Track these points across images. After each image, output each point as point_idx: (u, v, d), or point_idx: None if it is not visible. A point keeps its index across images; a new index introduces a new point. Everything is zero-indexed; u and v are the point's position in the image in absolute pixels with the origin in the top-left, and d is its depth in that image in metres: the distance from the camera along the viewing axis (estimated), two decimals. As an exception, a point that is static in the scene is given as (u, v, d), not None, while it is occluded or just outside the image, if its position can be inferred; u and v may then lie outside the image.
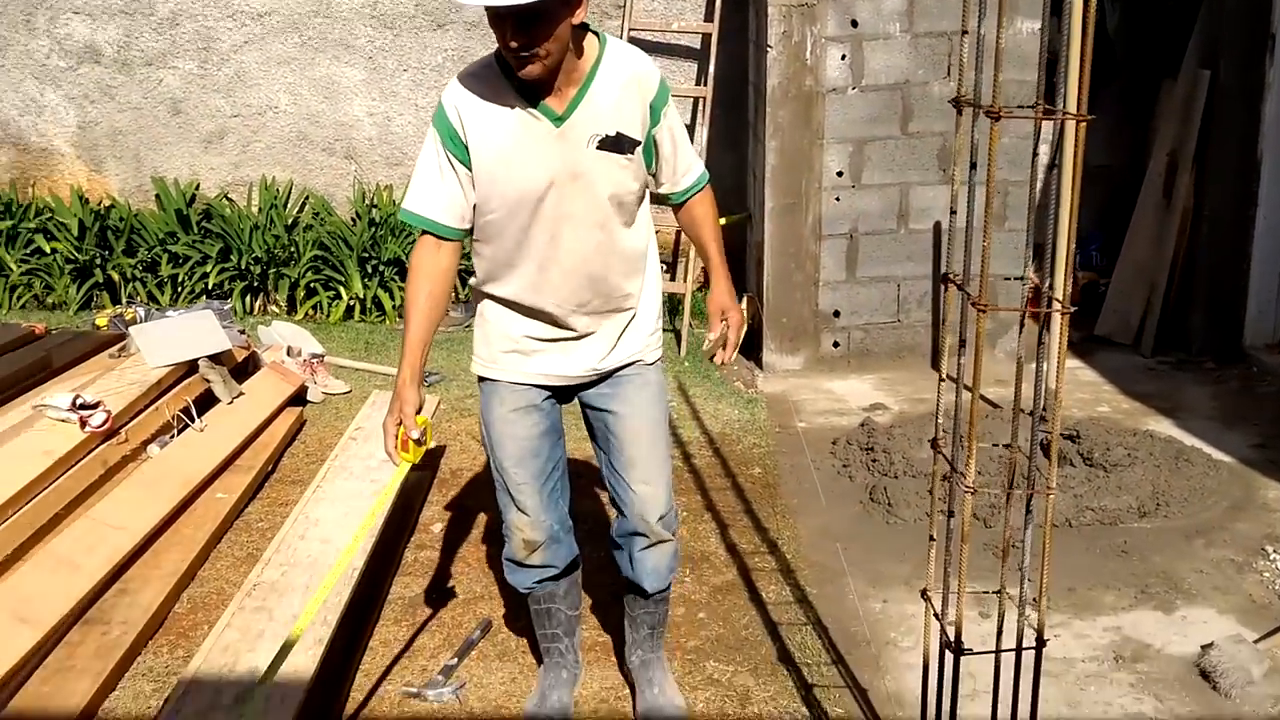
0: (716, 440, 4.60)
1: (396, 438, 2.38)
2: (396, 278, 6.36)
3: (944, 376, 2.15)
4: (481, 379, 2.61)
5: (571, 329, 2.51)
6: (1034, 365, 1.97)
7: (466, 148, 2.33)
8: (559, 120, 2.33)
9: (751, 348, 5.66)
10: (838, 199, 5.30)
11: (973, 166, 2.01)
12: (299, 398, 4.93)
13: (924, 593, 2.12)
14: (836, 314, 5.46)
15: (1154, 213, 5.58)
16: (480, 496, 4.01)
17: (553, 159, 2.35)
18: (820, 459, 4.40)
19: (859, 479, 4.19)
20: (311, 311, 6.35)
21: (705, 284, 6.36)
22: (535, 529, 2.63)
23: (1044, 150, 5.94)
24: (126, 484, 3.60)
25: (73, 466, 3.50)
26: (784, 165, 5.25)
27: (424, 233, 2.41)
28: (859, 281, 5.44)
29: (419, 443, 2.39)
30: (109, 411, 3.68)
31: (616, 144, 2.37)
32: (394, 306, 6.31)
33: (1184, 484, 3.88)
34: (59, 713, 2.63)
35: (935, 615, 2.06)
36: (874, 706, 2.83)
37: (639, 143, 2.40)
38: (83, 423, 3.59)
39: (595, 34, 2.38)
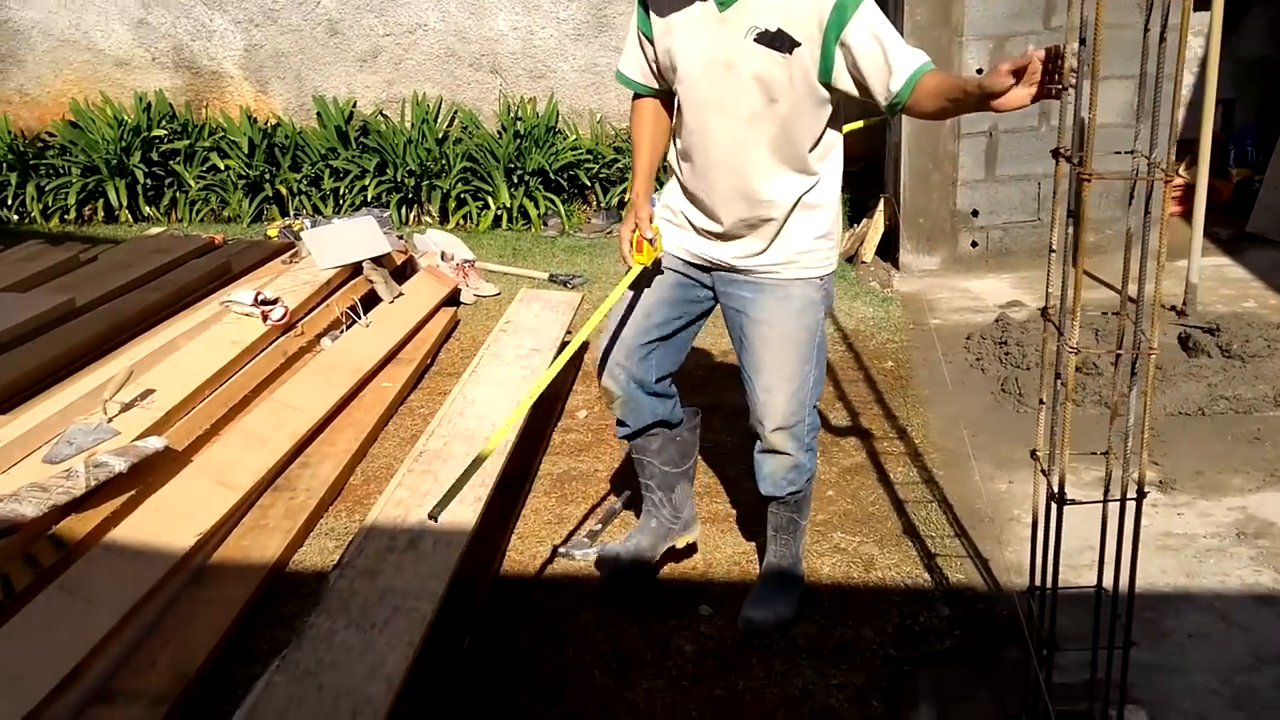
0: (850, 336, 4.73)
1: (631, 242, 2.62)
2: (541, 187, 6.61)
3: (1051, 248, 2.24)
4: None
5: (719, 223, 2.60)
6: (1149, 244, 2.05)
7: (648, 18, 2.54)
8: (723, 4, 2.41)
9: (888, 249, 5.73)
10: (976, 97, 5.28)
11: (1082, 43, 2.08)
12: (453, 299, 5.25)
13: (1033, 452, 2.24)
14: (975, 213, 5.47)
15: (1313, 103, 5.38)
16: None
17: (710, 42, 2.44)
18: (953, 353, 4.49)
19: (991, 371, 4.26)
20: (462, 221, 6.67)
21: (846, 185, 6.44)
22: (612, 380, 2.76)
23: (1196, 42, 5.77)
24: (303, 372, 3.96)
25: (257, 355, 3.87)
26: (921, 64, 5.25)
27: (635, 94, 2.71)
28: (998, 180, 5.42)
29: (651, 243, 2.61)
30: (287, 307, 4.04)
31: (775, 39, 2.39)
32: (539, 215, 6.57)
33: (1326, 375, 3.84)
34: (256, 562, 2.99)
35: (1042, 471, 2.19)
36: (994, 575, 2.97)
37: (798, 44, 2.38)
38: (264, 317, 3.96)
39: None
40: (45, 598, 2.56)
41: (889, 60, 2.36)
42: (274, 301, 4.03)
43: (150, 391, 3.38)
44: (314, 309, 4.36)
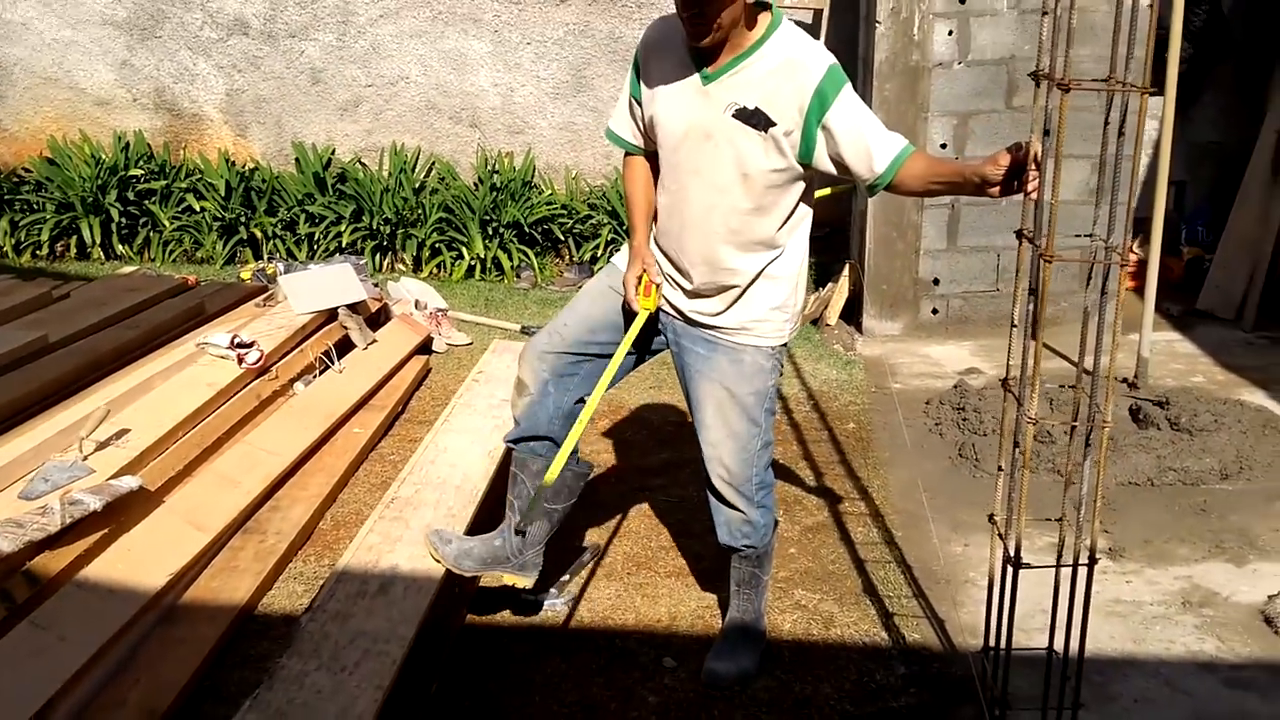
0: (815, 396, 4.84)
1: (637, 287, 2.70)
2: (515, 240, 6.71)
3: (1013, 323, 2.36)
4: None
5: (688, 280, 2.69)
6: (1106, 319, 2.18)
7: (639, 83, 2.66)
8: (707, 79, 2.53)
9: (852, 312, 5.87)
10: (941, 170, 5.46)
11: (1046, 134, 2.21)
12: (425, 347, 5.32)
13: (990, 516, 2.35)
14: (936, 281, 5.63)
15: (1260, 188, 5.61)
16: (586, 435, 4.34)
17: (692, 111, 2.55)
18: (913, 417, 4.61)
19: (949, 436, 4.39)
20: (435, 270, 6.75)
21: (812, 250, 6.61)
22: (530, 373, 2.79)
23: (1151, 125, 6.00)
24: (276, 416, 4.01)
25: (232, 398, 3.92)
26: (889, 136, 5.43)
27: (625, 151, 2.81)
28: (959, 250, 5.59)
29: (659, 287, 2.70)
30: (262, 351, 4.10)
31: (752, 117, 2.49)
32: (512, 267, 6.67)
33: (1270, 450, 3.99)
34: (226, 603, 3.03)
35: (999, 534, 2.29)
36: (949, 635, 3.06)
37: (773, 124, 2.47)
38: (240, 359, 4.01)
39: (773, 13, 2.52)
40: (18, 633, 2.58)
41: (870, 145, 2.48)
42: (250, 344, 4.08)
43: (125, 431, 3.42)
44: (288, 353, 4.41)
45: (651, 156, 2.80)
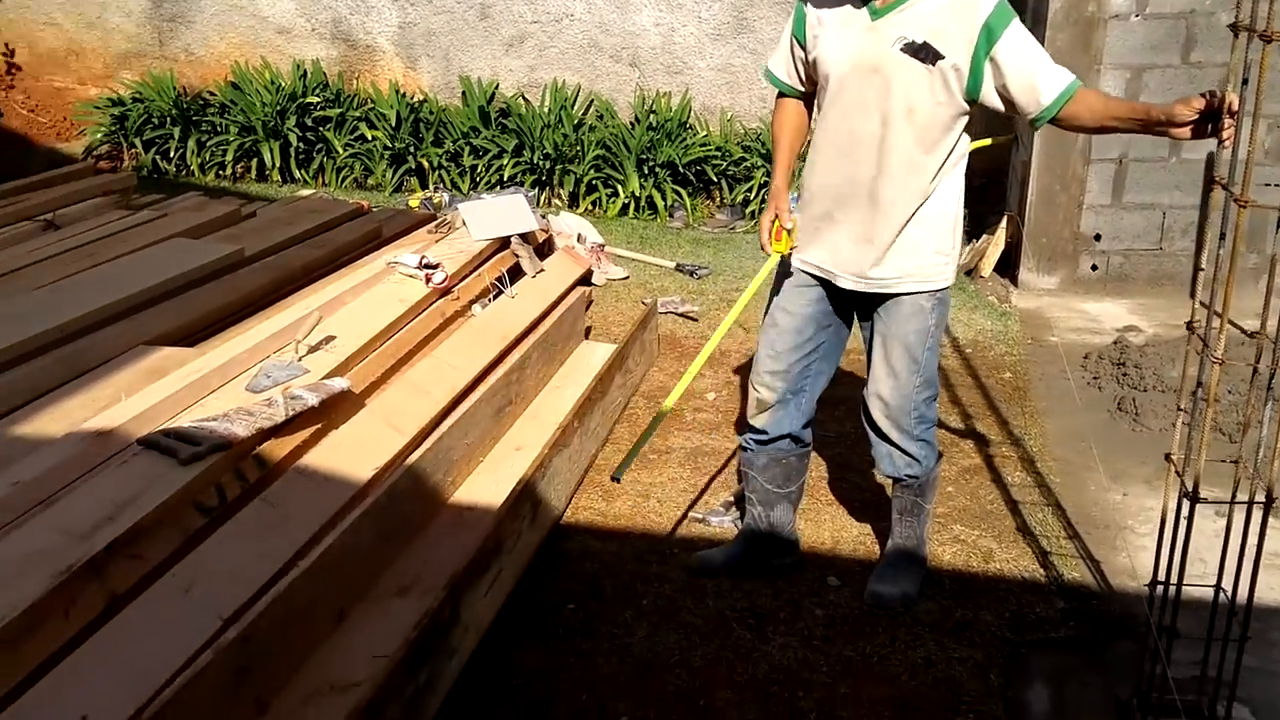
0: (969, 346, 4.90)
1: (771, 230, 2.82)
2: (669, 180, 6.86)
3: (1200, 267, 2.40)
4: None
5: (840, 217, 2.78)
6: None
7: (804, 26, 2.75)
8: (875, 14, 2.62)
9: (1007, 265, 5.87)
10: (1109, 124, 5.40)
11: (1245, 83, 2.25)
12: (585, 279, 5.52)
13: (1168, 455, 2.42)
14: (1097, 237, 5.59)
15: None
16: (744, 373, 4.49)
17: (860, 46, 2.64)
18: (1070, 370, 4.64)
19: (1108, 390, 4.41)
20: (591, 206, 6.95)
21: (968, 201, 6.61)
22: (770, 391, 2.96)
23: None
24: (458, 334, 4.25)
25: (420, 314, 4.17)
26: (1058, 88, 5.38)
27: (779, 92, 2.94)
28: (1124, 207, 5.54)
29: (790, 233, 2.82)
30: (447, 272, 4.34)
31: (920, 51, 2.57)
32: (665, 206, 6.82)
33: None
34: (430, 498, 3.28)
35: (1176, 472, 2.37)
36: (1107, 577, 3.15)
37: (941, 57, 2.56)
38: (427, 279, 4.26)
39: None
40: (253, 508, 2.86)
41: (1037, 77, 2.55)
42: (435, 266, 4.33)
43: (331, 337, 3.69)
44: (466, 276, 4.65)
45: (806, 101, 2.90)
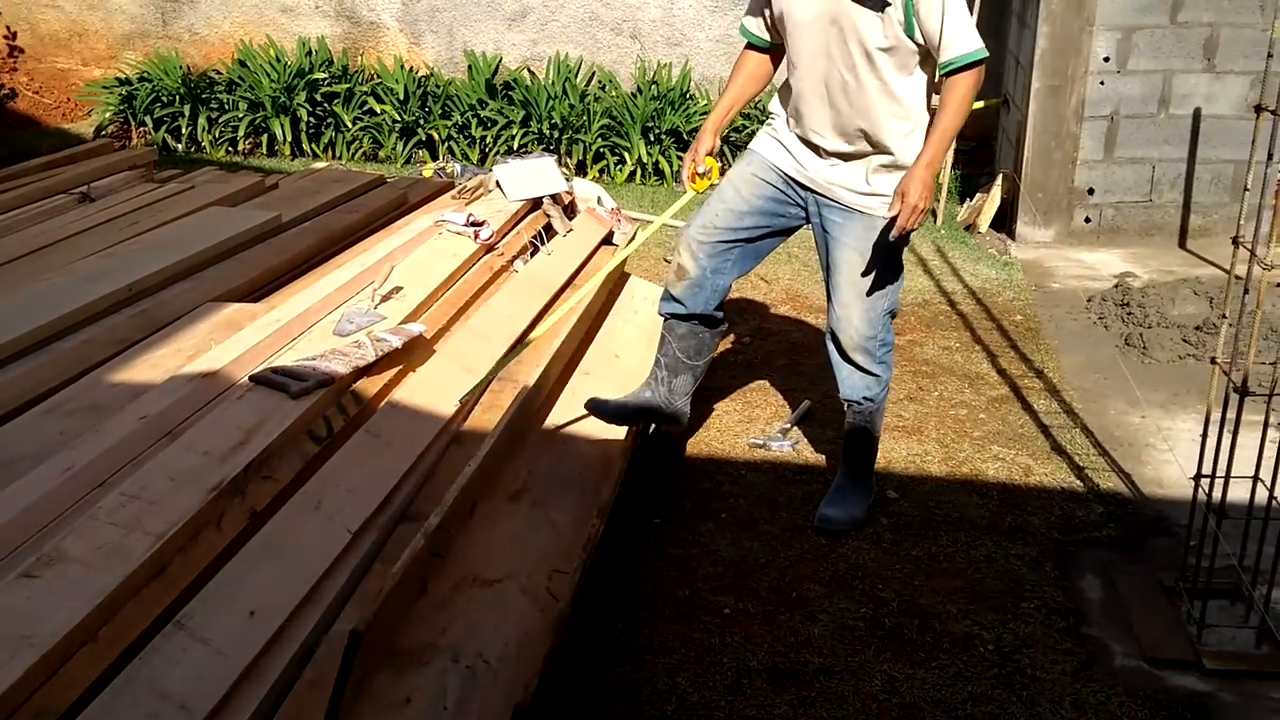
0: (978, 293, 5.18)
1: (689, 168, 3.12)
2: (674, 146, 7.08)
3: (1247, 186, 2.64)
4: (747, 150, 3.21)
5: (823, 154, 3.01)
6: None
7: None
8: None
9: (1004, 221, 6.16)
10: (1102, 83, 5.70)
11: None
12: (607, 239, 5.74)
13: (1213, 359, 2.69)
14: (1091, 191, 5.89)
15: None
16: (772, 323, 4.75)
17: (817, 1, 2.86)
18: (1076, 312, 4.93)
19: (1114, 329, 4.71)
20: (598, 174, 7.16)
21: (958, 163, 6.91)
22: (691, 259, 3.10)
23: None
24: (506, 287, 4.46)
25: (471, 268, 4.38)
26: (1053, 49, 5.67)
27: (747, 43, 3.17)
28: (1115, 162, 5.84)
29: (705, 176, 3.10)
30: (493, 229, 4.55)
31: (869, 1, 2.78)
32: (672, 172, 7.05)
33: None
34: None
35: (1223, 371, 2.64)
36: (1139, 485, 3.43)
37: (888, 4, 2.76)
38: (475, 236, 4.46)
39: None
40: (358, 439, 3.07)
41: (943, 35, 2.79)
42: (482, 223, 4.53)
43: (399, 288, 3.89)
44: (506, 235, 4.86)
45: (773, 53, 3.14)
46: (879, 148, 2.96)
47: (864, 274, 3.01)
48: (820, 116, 2.98)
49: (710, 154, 3.15)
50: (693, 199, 3.24)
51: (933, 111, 2.95)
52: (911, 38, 2.84)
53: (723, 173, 3.18)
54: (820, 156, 3.04)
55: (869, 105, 2.91)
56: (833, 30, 2.88)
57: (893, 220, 2.86)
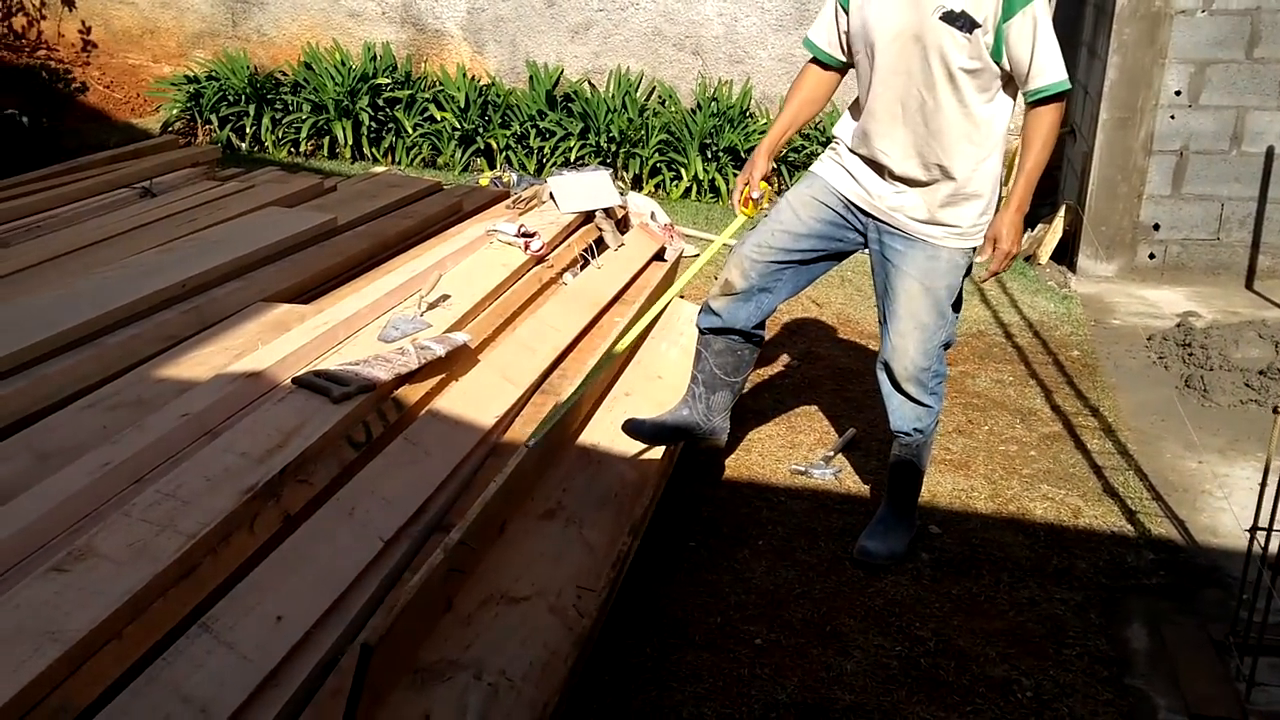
0: (1035, 326, 5.07)
1: (741, 193, 3.03)
2: (731, 164, 7.04)
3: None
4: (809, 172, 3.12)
5: (893, 178, 2.91)
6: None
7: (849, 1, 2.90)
8: None
9: (1065, 253, 6.04)
10: (1172, 117, 5.57)
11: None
12: (659, 255, 5.71)
13: (1276, 408, 2.60)
14: (1156, 227, 5.75)
15: None
16: (821, 347, 4.68)
17: (902, 16, 2.78)
18: (1135, 350, 4.81)
19: (1174, 369, 4.58)
20: (654, 189, 7.14)
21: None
22: (741, 276, 3.01)
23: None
24: (554, 300, 4.44)
25: (520, 279, 4.37)
26: (1123, 81, 5.55)
27: (812, 59, 3.09)
28: (1183, 198, 5.70)
29: (756, 203, 3.01)
30: (544, 240, 4.54)
31: (958, 20, 2.72)
32: (728, 190, 7.00)
33: None
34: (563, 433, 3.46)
35: (1285, 421, 2.54)
36: (1192, 533, 3.32)
37: (978, 25, 2.70)
38: (525, 247, 4.45)
39: None
40: (396, 445, 3.06)
41: (1033, 62, 2.74)
42: (533, 234, 4.52)
43: (446, 296, 3.89)
44: (557, 247, 4.84)
45: (835, 74, 3.06)
46: (948, 174, 2.87)
47: (923, 304, 2.94)
48: (891, 137, 2.89)
49: (764, 178, 3.10)
50: (746, 222, 3.19)
51: (989, 152, 2.88)
52: (998, 62, 2.77)
53: (776, 196, 3.12)
54: (885, 180, 2.95)
55: (944, 128, 2.83)
56: (915, 47, 2.79)
57: (945, 254, 2.80)
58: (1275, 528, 2.59)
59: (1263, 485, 2.65)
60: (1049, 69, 2.76)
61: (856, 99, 3.02)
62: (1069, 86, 2.80)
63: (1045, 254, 6.09)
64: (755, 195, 3.03)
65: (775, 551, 3.10)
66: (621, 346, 3.37)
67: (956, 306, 3.03)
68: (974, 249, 2.97)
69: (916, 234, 2.93)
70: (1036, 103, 2.81)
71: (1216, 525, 3.36)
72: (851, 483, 3.54)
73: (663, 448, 3.21)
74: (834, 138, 3.09)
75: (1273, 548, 2.59)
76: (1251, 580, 2.66)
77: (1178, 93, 5.54)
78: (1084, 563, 3.13)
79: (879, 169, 2.95)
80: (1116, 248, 5.81)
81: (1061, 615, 2.88)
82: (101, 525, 2.38)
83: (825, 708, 2.49)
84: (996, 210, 2.95)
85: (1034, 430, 3.98)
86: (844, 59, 3.05)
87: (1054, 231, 6.11)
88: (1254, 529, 2.66)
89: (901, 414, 3.07)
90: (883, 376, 3.08)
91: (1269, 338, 4.59)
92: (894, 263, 2.96)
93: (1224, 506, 3.47)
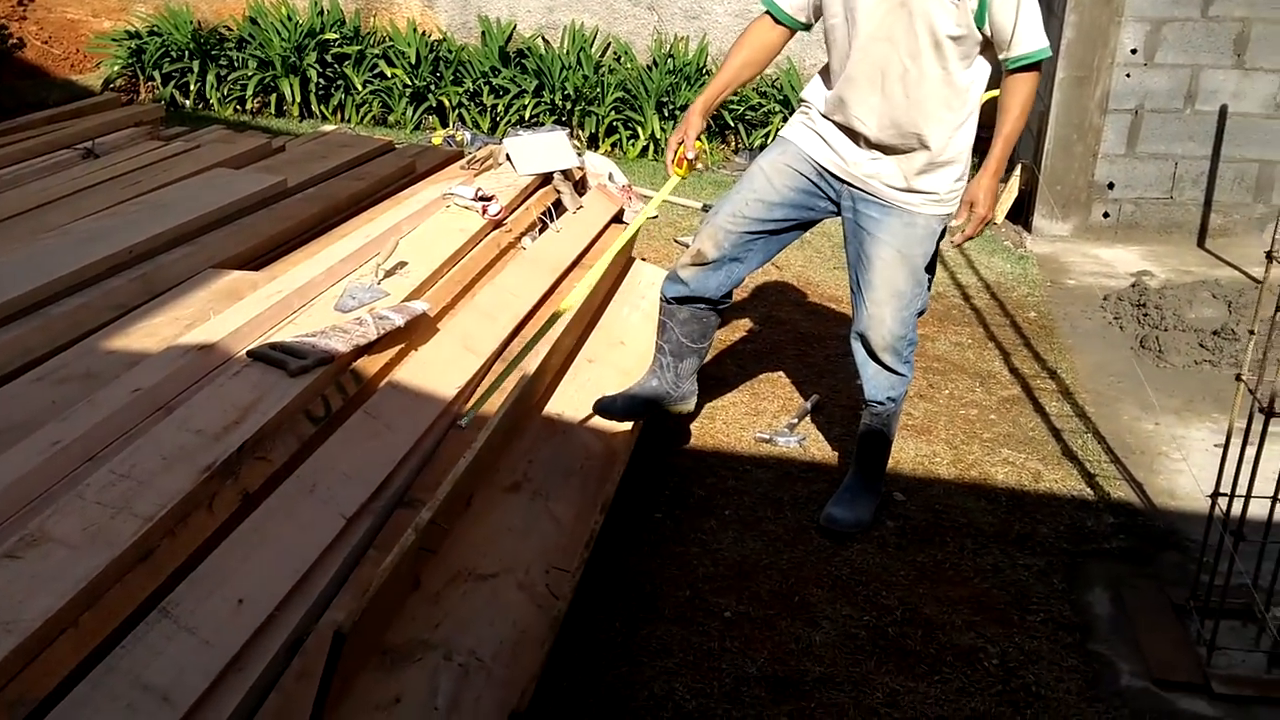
0: (992, 287, 5.09)
1: (675, 153, 2.94)
2: (688, 123, 6.96)
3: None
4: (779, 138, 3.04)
5: (869, 144, 2.84)
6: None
7: None
8: None
9: (1020, 212, 6.06)
10: (1128, 75, 5.58)
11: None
12: (617, 217, 5.65)
13: (1238, 375, 2.61)
14: (1111, 186, 5.78)
15: None
16: (782, 311, 4.66)
17: None
18: (1091, 310, 4.85)
19: (1129, 330, 4.62)
20: (611, 148, 7.05)
21: (976, 151, 6.79)
22: (714, 246, 2.95)
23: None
24: (513, 264, 4.37)
25: (479, 244, 4.29)
26: (1079, 39, 5.55)
27: (766, 12, 2.97)
28: (1137, 157, 5.73)
29: (691, 163, 2.93)
30: (501, 204, 4.46)
31: None
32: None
33: None
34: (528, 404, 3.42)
35: (1249, 390, 2.56)
36: (1150, 496, 3.36)
37: None
38: (483, 211, 4.38)
39: None
40: (356, 419, 3.00)
41: (1016, 28, 2.70)
42: (490, 198, 4.44)
43: (403, 263, 3.81)
44: (515, 210, 4.77)
45: (783, 38, 2.97)
46: (924, 143, 2.82)
47: (900, 272, 2.90)
48: (869, 104, 2.83)
49: (698, 137, 2.98)
50: (680, 183, 3.10)
51: (966, 120, 2.85)
52: (980, 28, 2.72)
53: (707, 156, 3.03)
54: (861, 147, 2.89)
55: (926, 95, 2.78)
56: (900, 13, 2.72)
57: (922, 221, 2.77)
58: (1237, 494, 2.62)
59: (1224, 453, 2.68)
60: (1031, 36, 2.72)
61: (828, 64, 2.96)
62: (1050, 54, 2.77)
63: (1001, 213, 6.10)
64: (690, 155, 2.94)
65: (742, 522, 3.10)
66: (565, 306, 3.36)
67: (932, 272, 3.01)
68: (949, 214, 2.94)
69: (893, 201, 2.89)
70: (1017, 69, 2.78)
71: (1174, 488, 3.41)
72: (816, 450, 3.54)
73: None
74: (804, 100, 3.03)
75: (1234, 512, 2.61)
76: (1213, 545, 2.69)
77: (1133, 51, 5.55)
78: (1045, 527, 3.16)
79: (854, 136, 2.89)
80: (1071, 207, 5.84)
81: (1025, 581, 2.91)
82: (54, 508, 2.31)
83: (796, 680, 2.50)
84: (972, 174, 2.92)
85: (993, 394, 4.00)
86: (805, 22, 2.96)
87: (1010, 190, 6.12)
88: (1215, 494, 2.69)
89: (876, 383, 3.05)
90: (857, 346, 3.04)
91: (1222, 297, 4.64)
92: (869, 230, 2.92)
93: (1181, 469, 3.51)
